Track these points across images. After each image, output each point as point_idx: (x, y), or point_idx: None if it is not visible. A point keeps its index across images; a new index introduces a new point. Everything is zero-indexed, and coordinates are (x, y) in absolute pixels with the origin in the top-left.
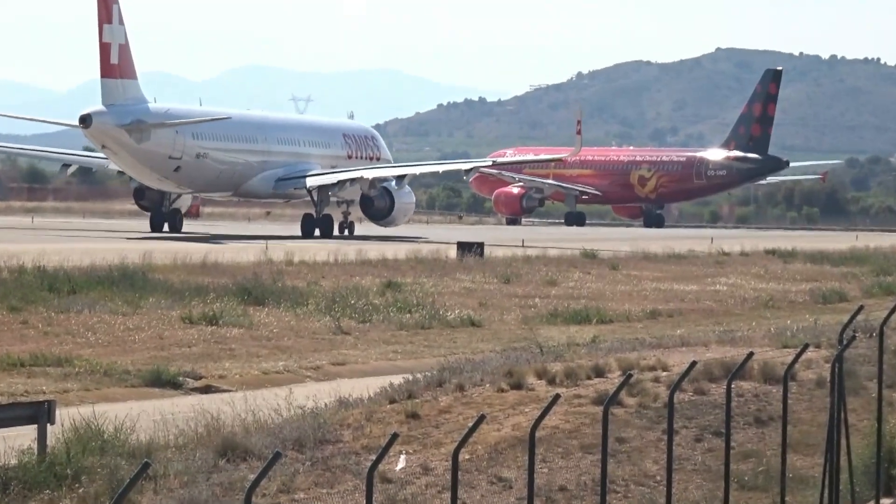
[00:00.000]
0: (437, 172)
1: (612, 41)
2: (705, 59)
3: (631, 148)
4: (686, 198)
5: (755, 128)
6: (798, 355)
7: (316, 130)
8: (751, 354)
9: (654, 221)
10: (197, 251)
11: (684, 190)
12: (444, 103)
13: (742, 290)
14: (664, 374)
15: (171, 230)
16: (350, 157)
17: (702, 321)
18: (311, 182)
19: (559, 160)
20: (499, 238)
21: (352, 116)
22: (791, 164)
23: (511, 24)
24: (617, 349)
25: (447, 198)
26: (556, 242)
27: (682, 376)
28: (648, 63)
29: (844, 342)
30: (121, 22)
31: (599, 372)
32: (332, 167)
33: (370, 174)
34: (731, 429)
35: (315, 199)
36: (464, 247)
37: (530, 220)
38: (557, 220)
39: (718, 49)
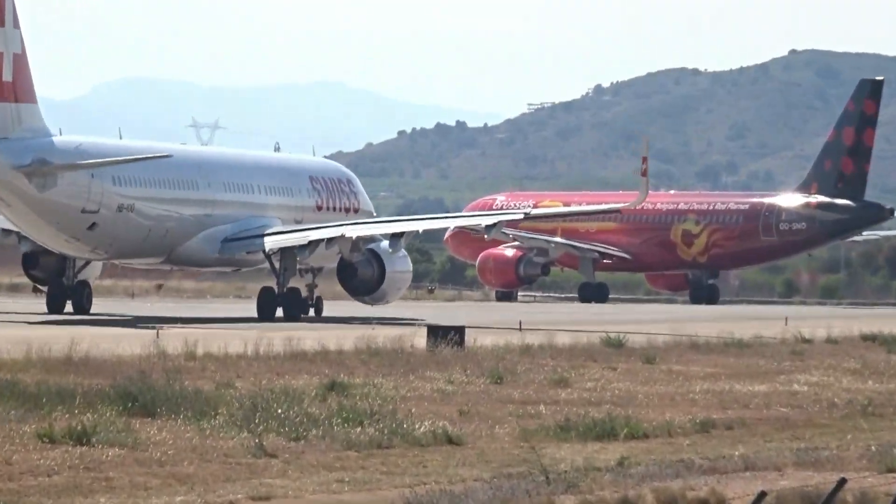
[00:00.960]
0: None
1: (643, 42)
2: (775, 65)
3: (672, 192)
4: (750, 262)
5: (846, 162)
6: None
7: (275, 172)
8: (842, 482)
9: (706, 295)
10: (60, 339)
11: (747, 250)
12: (408, 130)
13: (830, 392)
14: None
15: (77, 310)
16: (320, 207)
17: (773, 435)
18: (270, 243)
19: (615, 211)
20: (486, 320)
21: (277, 149)
22: None
23: (501, 20)
24: (654, 475)
25: (413, 262)
26: (566, 326)
27: None
28: (696, 72)
29: None
30: (16, 24)
31: None
32: (297, 222)
33: (353, 232)
34: None
35: (276, 266)
36: (437, 332)
37: (530, 293)
38: (569, 295)
39: (793, 52)
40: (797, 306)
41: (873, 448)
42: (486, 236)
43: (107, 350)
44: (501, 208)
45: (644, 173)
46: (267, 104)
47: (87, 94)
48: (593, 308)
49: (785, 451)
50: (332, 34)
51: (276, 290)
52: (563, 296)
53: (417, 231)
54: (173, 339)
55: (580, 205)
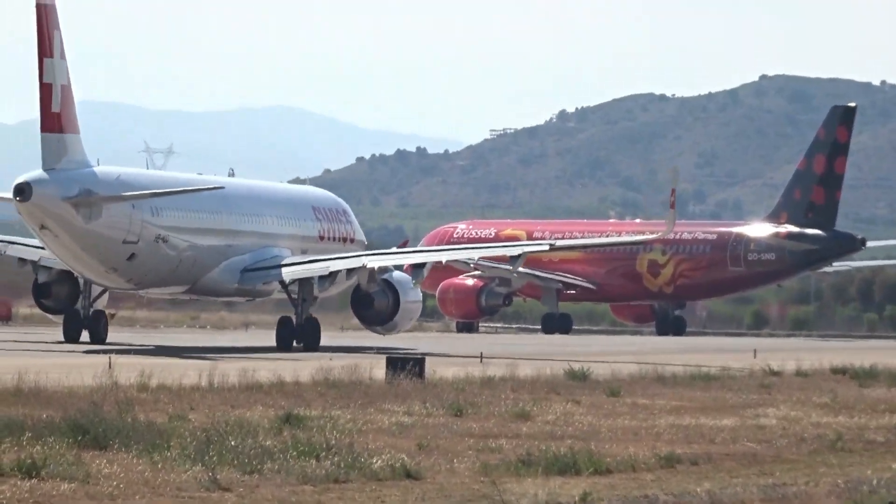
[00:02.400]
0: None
1: (609, 67)
2: (745, 90)
3: (638, 221)
4: (717, 293)
5: (817, 191)
6: None
7: (282, 202)
8: None
9: (672, 327)
10: (7, 369)
11: (715, 281)
12: (367, 156)
13: (798, 426)
14: None
15: (94, 340)
16: (322, 237)
17: (740, 471)
18: (289, 274)
19: (643, 242)
20: (447, 351)
21: (232, 173)
22: (869, 244)
23: (462, 45)
24: None
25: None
26: (529, 357)
27: None
28: (663, 97)
29: None
30: (62, 56)
31: None
32: (303, 251)
33: (375, 262)
34: None
35: (295, 296)
36: (395, 364)
37: (492, 324)
38: (532, 326)
39: (764, 77)
40: (766, 338)
41: (842, 484)
42: (512, 271)
43: (57, 381)
44: (462, 237)
45: (672, 205)
46: (222, 129)
47: (35, 117)
48: (557, 339)
49: (752, 486)
50: (290, 58)
51: (295, 320)
52: (525, 327)
53: (441, 261)
54: (126, 370)
55: (543, 233)
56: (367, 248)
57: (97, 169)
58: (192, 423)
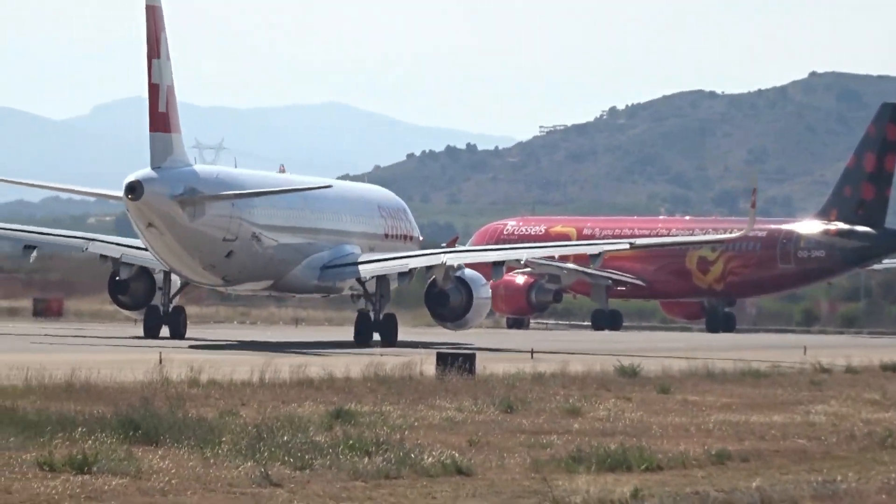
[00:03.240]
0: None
1: (659, 64)
2: (794, 88)
3: (688, 218)
4: (767, 290)
5: (867, 188)
6: None
7: (354, 201)
8: None
9: (722, 323)
10: (60, 365)
11: (765, 278)
12: (417, 153)
13: (849, 423)
14: None
15: (174, 335)
16: (387, 235)
17: (790, 467)
18: (366, 271)
19: (719, 242)
20: (497, 347)
21: (282, 170)
22: None
23: (513, 42)
24: None
25: (421, 288)
26: (579, 354)
27: None
28: (713, 94)
29: None
30: (168, 56)
31: None
32: (371, 249)
33: (455, 260)
34: None
35: (371, 293)
36: (446, 360)
37: (542, 321)
38: (582, 322)
39: (813, 74)
40: (816, 335)
41: (893, 481)
42: (591, 265)
43: (109, 376)
44: (512, 234)
45: (753, 205)
46: (272, 125)
47: (86, 114)
48: (606, 336)
49: (802, 483)
50: (340, 56)
51: (371, 315)
52: (576, 323)
53: (519, 259)
54: (177, 366)
55: (593, 230)
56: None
57: (198, 168)
58: (243, 418)
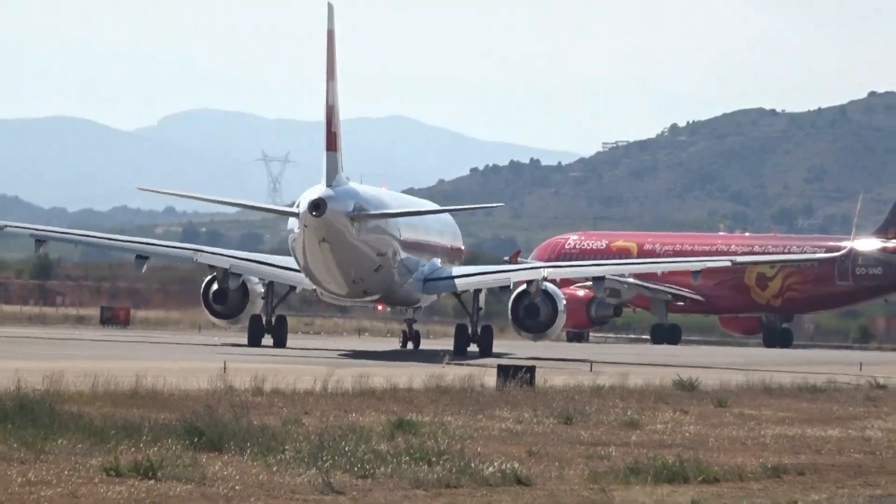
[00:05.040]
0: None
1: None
2: (853, 107)
3: (747, 234)
4: (825, 306)
5: None
6: None
7: (433, 218)
8: None
9: (779, 339)
10: (125, 373)
11: (823, 295)
12: (481, 167)
13: None
14: None
15: (277, 344)
16: (451, 249)
17: (846, 482)
18: (462, 284)
19: (815, 261)
20: (557, 359)
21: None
22: None
23: (575, 60)
24: None
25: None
26: (638, 367)
27: None
28: (773, 112)
29: None
30: (335, 76)
31: None
32: (450, 263)
33: (554, 274)
34: None
35: (469, 306)
36: (506, 371)
37: (602, 334)
38: (641, 336)
39: (872, 94)
40: (872, 352)
41: None
42: (693, 281)
43: (174, 384)
44: (574, 248)
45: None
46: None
47: (154, 124)
48: (665, 350)
49: (858, 497)
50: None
51: (469, 327)
52: (635, 337)
53: (622, 276)
54: (241, 375)
55: (653, 246)
56: (479, 258)
57: (358, 186)
58: (306, 426)
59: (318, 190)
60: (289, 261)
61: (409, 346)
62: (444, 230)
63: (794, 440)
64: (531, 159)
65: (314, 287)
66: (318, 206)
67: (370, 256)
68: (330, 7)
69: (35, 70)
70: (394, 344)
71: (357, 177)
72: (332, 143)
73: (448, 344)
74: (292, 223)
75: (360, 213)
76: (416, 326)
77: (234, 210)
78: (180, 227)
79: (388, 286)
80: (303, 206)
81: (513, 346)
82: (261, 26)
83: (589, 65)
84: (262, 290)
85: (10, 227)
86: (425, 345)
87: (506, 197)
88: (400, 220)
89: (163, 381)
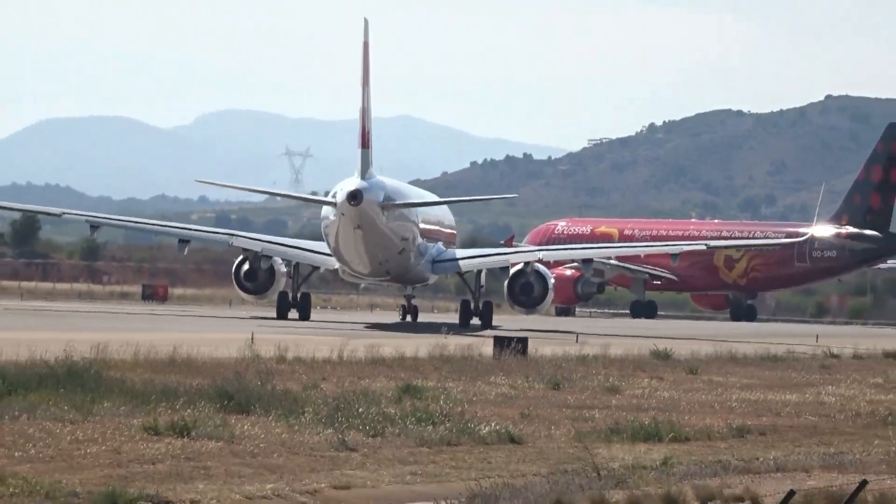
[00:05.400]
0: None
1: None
2: (812, 109)
3: (716, 221)
4: (785, 285)
5: (874, 197)
6: None
7: (439, 206)
8: (864, 483)
9: (744, 314)
10: (164, 343)
11: (783, 275)
12: (479, 161)
13: (855, 403)
14: None
15: (301, 317)
16: (450, 233)
17: (802, 441)
18: (467, 265)
19: (781, 245)
20: (547, 332)
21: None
22: None
23: (565, 64)
24: (695, 474)
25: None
26: (619, 339)
27: None
28: (740, 113)
29: None
30: (368, 83)
31: (672, 502)
32: (447, 247)
33: (550, 256)
34: None
35: (472, 284)
36: (502, 342)
37: (587, 309)
38: (622, 311)
39: (829, 97)
40: (827, 325)
41: (892, 454)
42: (672, 262)
43: (207, 353)
44: (562, 233)
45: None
46: (351, 136)
47: (189, 123)
48: (643, 323)
49: (813, 455)
50: (413, 74)
51: (471, 302)
52: (616, 312)
53: (605, 259)
54: (266, 345)
55: (632, 231)
56: (478, 242)
57: (385, 179)
58: (323, 391)
59: (355, 182)
60: (312, 244)
61: (408, 318)
62: (444, 218)
63: (757, 404)
64: (524, 154)
65: (335, 267)
66: (355, 196)
67: (395, 241)
68: (365, 21)
69: (84, 73)
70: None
71: (379, 170)
72: (365, 141)
73: (450, 318)
74: (327, 211)
75: (389, 203)
76: (414, 302)
77: (260, 199)
78: (213, 214)
79: (406, 267)
80: (340, 196)
81: (508, 320)
82: (286, 33)
83: (577, 70)
84: (285, 270)
85: (68, 213)
86: (432, 318)
87: (502, 188)
88: (417, 209)
89: (197, 350)
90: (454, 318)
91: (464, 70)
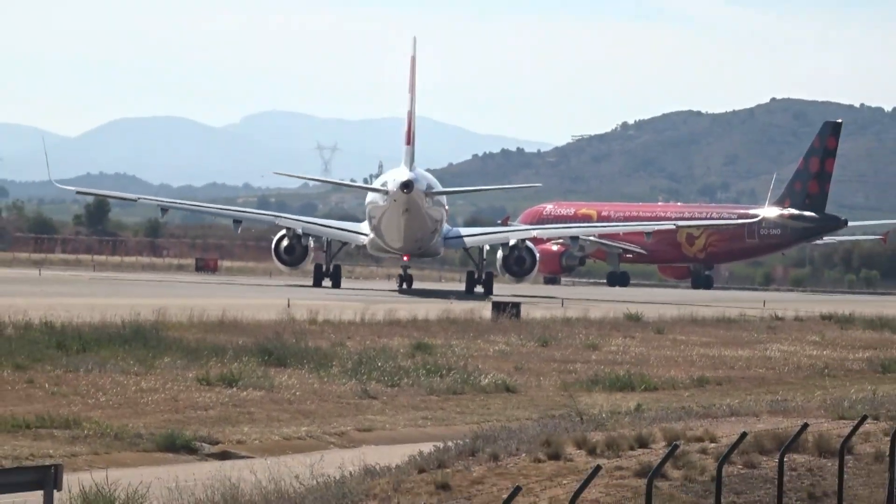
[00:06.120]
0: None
1: (659, 89)
2: (759, 110)
3: (679, 204)
4: (737, 258)
5: (812, 184)
6: (855, 428)
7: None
8: (805, 426)
9: (703, 283)
10: (214, 307)
11: (736, 249)
12: (480, 154)
13: (796, 358)
14: (712, 445)
15: (334, 286)
16: (447, 215)
17: (753, 390)
18: (473, 241)
19: (732, 225)
20: (537, 297)
21: (381, 166)
22: (850, 224)
23: (552, 71)
24: (662, 418)
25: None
26: (597, 303)
27: (732, 448)
28: (699, 113)
29: None
30: (414, 91)
31: (643, 442)
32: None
33: (544, 234)
34: None
35: (476, 258)
36: (499, 307)
37: (570, 279)
38: (599, 280)
39: (773, 100)
40: (772, 292)
41: (829, 401)
42: (645, 239)
43: (251, 316)
44: (550, 214)
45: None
46: (371, 131)
47: (237, 122)
48: (618, 291)
49: (761, 402)
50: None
51: (476, 274)
52: (595, 281)
53: (591, 235)
54: (300, 309)
55: (609, 212)
56: (478, 222)
57: (422, 171)
58: (348, 348)
59: (405, 173)
60: (343, 224)
61: (404, 286)
62: (445, 202)
63: (714, 359)
64: (518, 148)
65: (363, 243)
66: (407, 185)
67: (430, 222)
68: (414, 39)
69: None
70: (422, 286)
71: (394, 161)
72: (409, 139)
73: (454, 286)
74: (374, 196)
75: (430, 191)
76: (412, 272)
77: (295, 185)
78: (255, 198)
79: (432, 243)
80: (393, 185)
81: (507, 289)
82: (317, 46)
83: (562, 76)
84: (314, 245)
85: (143, 199)
86: (439, 286)
87: (499, 176)
88: (442, 196)
89: (242, 313)
90: (459, 286)
91: (466, 77)
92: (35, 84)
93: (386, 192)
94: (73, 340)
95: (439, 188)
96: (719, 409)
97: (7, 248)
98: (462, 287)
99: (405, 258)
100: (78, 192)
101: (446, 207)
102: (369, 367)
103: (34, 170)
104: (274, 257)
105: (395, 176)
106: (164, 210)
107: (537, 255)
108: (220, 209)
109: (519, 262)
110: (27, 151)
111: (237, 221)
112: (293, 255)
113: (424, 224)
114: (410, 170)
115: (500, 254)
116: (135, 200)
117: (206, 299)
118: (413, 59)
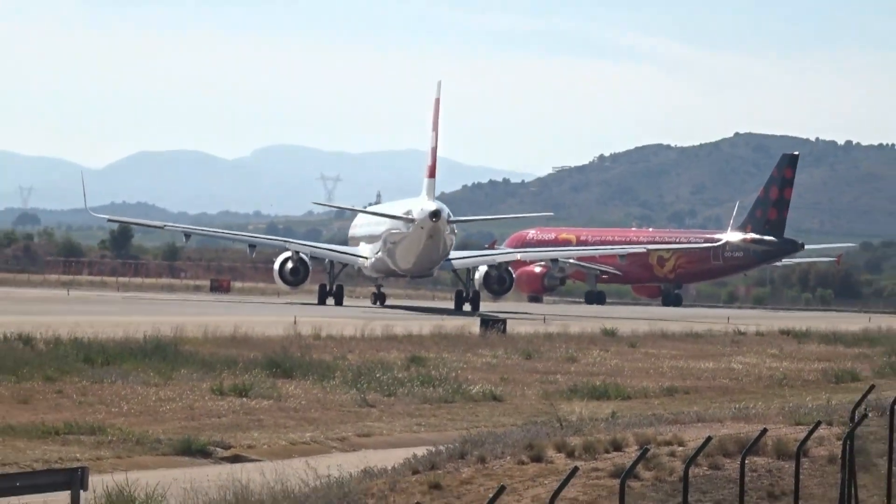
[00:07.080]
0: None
1: (633, 124)
2: (724, 143)
3: (651, 229)
4: (704, 278)
5: (772, 211)
6: (811, 432)
7: None
8: (764, 431)
9: (672, 301)
10: (227, 324)
11: (702, 270)
12: (469, 184)
13: (757, 369)
14: (680, 448)
15: (337, 303)
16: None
17: (717, 398)
18: (460, 263)
19: (705, 247)
20: (521, 314)
21: (379, 196)
22: (806, 247)
23: (536, 108)
24: (634, 424)
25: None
26: (576, 320)
27: (698, 451)
28: (668, 147)
29: (856, 420)
30: (437, 129)
31: (617, 446)
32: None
33: (527, 256)
34: (745, 503)
35: (464, 277)
36: (487, 323)
37: (551, 297)
38: (578, 299)
39: (737, 134)
40: (736, 310)
41: (787, 408)
42: (620, 259)
43: (260, 332)
44: (533, 239)
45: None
46: (372, 164)
47: (248, 155)
48: (595, 308)
49: (725, 409)
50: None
51: (465, 292)
52: (574, 300)
53: (569, 259)
54: (305, 325)
55: (587, 237)
56: (468, 245)
57: (440, 202)
58: (349, 361)
59: (431, 203)
60: (344, 248)
61: (378, 304)
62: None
63: (683, 370)
64: (503, 178)
65: (363, 265)
66: (436, 214)
67: (445, 248)
68: (439, 84)
69: (167, 116)
70: (412, 304)
71: (394, 192)
72: (432, 172)
73: (443, 304)
74: (395, 223)
75: (450, 219)
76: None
77: (300, 212)
78: (264, 224)
79: (428, 266)
80: (419, 214)
81: (493, 308)
82: (321, 84)
83: (544, 112)
84: (314, 267)
85: (169, 226)
86: (432, 304)
87: (486, 205)
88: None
89: (252, 329)
90: (449, 304)
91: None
92: (63, 119)
93: (411, 220)
94: (98, 354)
95: (458, 217)
96: (687, 415)
97: (39, 270)
98: (450, 304)
99: (379, 279)
100: (109, 220)
101: (455, 233)
102: (368, 378)
103: (62, 198)
104: (277, 278)
105: (420, 205)
106: (188, 236)
107: (513, 276)
108: (236, 235)
109: (499, 281)
110: (55, 181)
111: (252, 246)
112: (298, 276)
113: (444, 249)
114: (434, 199)
115: (477, 274)
116: (162, 227)
117: (220, 317)
118: (437, 101)
